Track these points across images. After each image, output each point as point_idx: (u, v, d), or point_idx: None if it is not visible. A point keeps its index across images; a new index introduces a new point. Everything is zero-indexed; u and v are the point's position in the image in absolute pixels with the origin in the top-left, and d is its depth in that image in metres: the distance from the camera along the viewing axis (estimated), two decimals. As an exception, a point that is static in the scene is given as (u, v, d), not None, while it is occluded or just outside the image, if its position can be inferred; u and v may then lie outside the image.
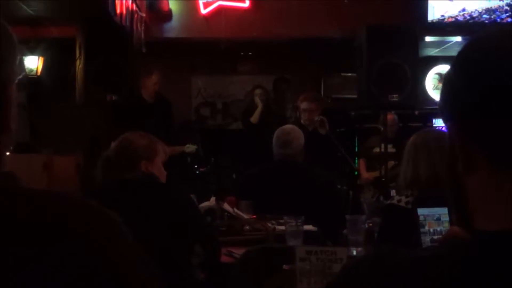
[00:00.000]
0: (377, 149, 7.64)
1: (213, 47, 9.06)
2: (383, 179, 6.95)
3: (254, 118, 8.46)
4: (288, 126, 5.40)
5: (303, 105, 7.14)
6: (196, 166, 8.46)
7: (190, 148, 7.86)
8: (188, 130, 9.32)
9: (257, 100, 8.54)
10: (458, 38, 8.55)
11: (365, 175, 7.84)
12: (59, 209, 0.96)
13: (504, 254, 0.90)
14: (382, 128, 7.25)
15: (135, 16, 7.19)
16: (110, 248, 0.95)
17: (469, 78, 0.97)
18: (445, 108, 1.02)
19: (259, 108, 8.48)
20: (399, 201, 3.44)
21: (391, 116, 7.66)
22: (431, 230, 2.99)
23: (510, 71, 0.93)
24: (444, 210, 3.00)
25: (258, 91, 8.68)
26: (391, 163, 7.13)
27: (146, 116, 7.44)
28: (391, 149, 7.19)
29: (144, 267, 0.99)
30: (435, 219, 2.99)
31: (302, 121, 7.10)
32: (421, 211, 2.99)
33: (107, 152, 3.75)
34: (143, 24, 7.59)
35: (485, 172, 0.96)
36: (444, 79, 1.04)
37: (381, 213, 3.71)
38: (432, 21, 8.20)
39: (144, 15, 7.70)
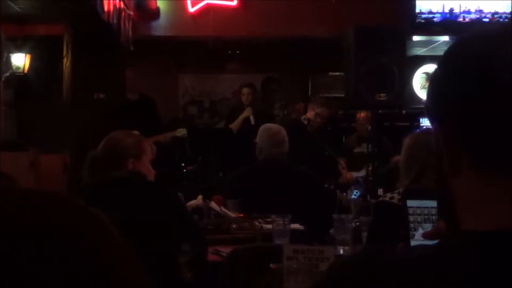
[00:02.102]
0: (357, 149, 7.67)
1: (200, 45, 9.05)
2: (370, 179, 6.96)
3: (234, 126, 8.34)
4: (275, 125, 5.40)
5: (319, 110, 7.23)
6: (183, 165, 8.44)
7: (181, 132, 7.80)
8: (176, 129, 9.30)
9: (250, 111, 8.37)
10: (446, 38, 8.58)
11: (346, 174, 7.83)
12: (44, 208, 0.95)
13: (492, 255, 0.90)
14: (369, 127, 7.27)
15: (123, 14, 7.17)
16: (97, 248, 0.95)
17: (453, 80, 0.98)
18: (431, 109, 1.03)
19: (241, 117, 8.34)
20: (392, 198, 3.43)
21: (363, 114, 7.71)
22: (420, 222, 2.96)
23: (495, 73, 0.93)
24: (434, 203, 2.97)
25: (245, 90, 8.57)
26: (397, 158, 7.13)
27: (131, 114, 7.42)
28: (364, 148, 7.24)
29: (131, 267, 0.98)
30: (424, 212, 2.96)
31: (305, 120, 7.19)
32: (410, 203, 2.97)
33: (94, 151, 3.75)
34: (130, 22, 7.57)
35: (471, 173, 0.97)
36: (430, 80, 1.05)
37: (373, 210, 3.70)
38: (419, 20, 8.21)
39: (131, 13, 7.68)
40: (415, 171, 3.40)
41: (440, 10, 8.17)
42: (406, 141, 3.54)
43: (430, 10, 8.15)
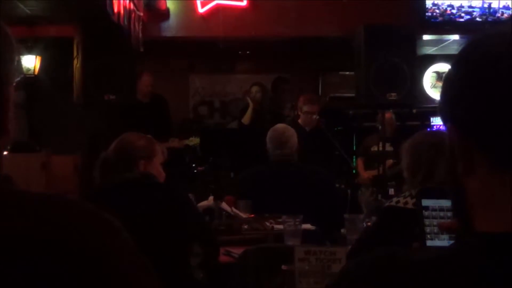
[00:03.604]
0: (375, 148, 7.63)
1: (211, 46, 9.04)
2: (382, 178, 6.94)
3: (245, 119, 8.47)
4: (281, 126, 5.39)
5: (306, 108, 7.14)
6: (194, 166, 8.44)
7: (193, 141, 7.85)
8: (186, 129, 9.32)
9: (249, 100, 8.57)
10: (456, 37, 8.55)
11: (364, 174, 7.83)
12: (56, 214, 0.95)
13: (507, 258, 0.89)
14: (380, 127, 7.25)
15: (133, 15, 7.17)
16: (109, 253, 0.94)
17: (467, 80, 0.97)
18: (445, 109, 1.02)
19: (249, 109, 8.48)
20: (398, 202, 3.36)
21: (389, 115, 7.66)
22: (435, 222, 2.91)
23: (509, 72, 0.92)
24: (449, 202, 2.91)
25: (254, 88, 8.69)
26: (389, 161, 7.13)
27: (143, 116, 7.44)
28: (389, 147, 7.19)
29: (143, 270, 0.98)
30: (440, 214, 2.91)
31: (300, 121, 7.11)
32: (425, 203, 2.91)
33: (105, 152, 3.75)
34: (140, 23, 7.57)
35: (485, 173, 0.96)
36: (444, 80, 1.04)
37: (379, 215, 3.61)
38: (429, 19, 8.18)
39: (141, 14, 7.68)
40: (422, 173, 3.35)
41: (479, 5, 8.15)
42: (408, 143, 3.46)
43: (470, 5, 8.14)
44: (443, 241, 2.43)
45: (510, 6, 8.12)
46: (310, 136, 6.80)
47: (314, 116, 7.11)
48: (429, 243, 2.57)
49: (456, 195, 1.03)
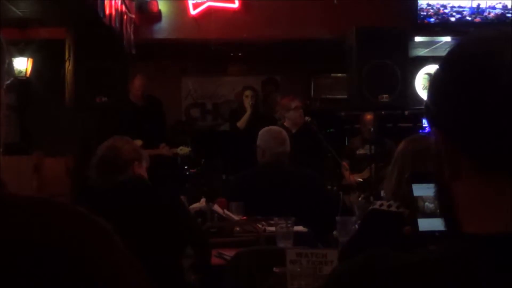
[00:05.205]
0: (361, 151, 7.63)
1: (203, 48, 9.04)
2: (372, 180, 6.93)
3: (241, 123, 8.43)
4: (275, 127, 5.40)
5: (294, 104, 7.13)
6: (186, 168, 8.44)
7: (183, 150, 7.85)
8: (178, 131, 9.31)
9: (247, 104, 8.50)
10: (447, 38, 8.58)
11: (348, 177, 7.79)
12: (46, 218, 0.95)
13: (495, 259, 0.90)
14: (372, 129, 7.26)
15: (125, 17, 7.17)
16: (101, 258, 0.94)
17: (453, 82, 0.97)
18: (431, 112, 1.02)
19: (247, 113, 8.43)
20: (381, 205, 3.31)
21: (370, 117, 7.67)
22: (426, 205, 2.87)
23: (495, 75, 0.93)
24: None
25: (248, 92, 8.64)
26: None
27: (137, 119, 7.43)
28: (367, 150, 7.20)
29: (135, 274, 0.98)
30: (430, 195, 2.85)
31: (287, 123, 7.08)
32: (415, 186, 2.84)
33: (100, 151, 3.72)
34: (132, 26, 7.57)
35: (472, 176, 0.96)
36: (430, 83, 1.04)
37: (363, 219, 3.56)
38: (421, 21, 8.22)
39: (133, 16, 7.68)
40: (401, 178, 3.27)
41: (469, 5, 8.24)
42: (396, 153, 3.38)
43: (460, 5, 8.23)
44: (433, 221, 2.42)
45: (496, 6, 8.25)
46: (295, 138, 6.79)
47: (307, 118, 7.11)
48: (421, 223, 2.50)
49: (443, 198, 1.04)
